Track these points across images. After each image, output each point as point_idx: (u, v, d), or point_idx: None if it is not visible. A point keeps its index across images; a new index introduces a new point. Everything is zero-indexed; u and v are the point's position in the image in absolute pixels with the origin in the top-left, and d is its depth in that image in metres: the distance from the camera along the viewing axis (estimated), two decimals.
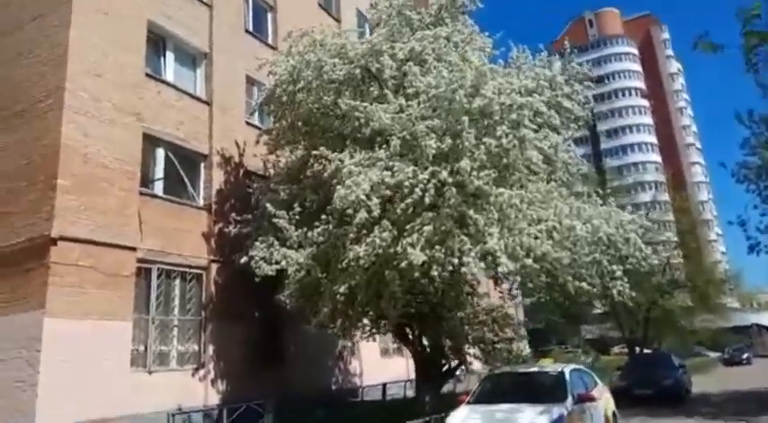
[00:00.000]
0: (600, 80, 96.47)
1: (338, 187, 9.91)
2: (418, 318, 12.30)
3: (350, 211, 9.77)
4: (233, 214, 13.71)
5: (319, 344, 16.44)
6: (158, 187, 13.56)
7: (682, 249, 34.01)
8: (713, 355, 49.68)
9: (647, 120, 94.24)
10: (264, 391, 13.89)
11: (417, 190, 9.18)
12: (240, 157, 15.61)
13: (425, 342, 12.42)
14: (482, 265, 8.91)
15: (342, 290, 9.96)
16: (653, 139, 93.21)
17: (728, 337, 50.55)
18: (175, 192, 14.00)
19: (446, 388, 15.49)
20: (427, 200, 9.11)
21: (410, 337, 12.77)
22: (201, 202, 14.50)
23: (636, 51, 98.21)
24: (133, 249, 12.16)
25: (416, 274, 9.12)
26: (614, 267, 11.12)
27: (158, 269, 12.85)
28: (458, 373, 14.55)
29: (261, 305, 13.84)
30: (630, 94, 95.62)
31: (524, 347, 18.99)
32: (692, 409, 16.09)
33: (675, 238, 33.01)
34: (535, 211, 9.93)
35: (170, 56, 14.78)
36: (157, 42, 14.57)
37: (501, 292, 14.51)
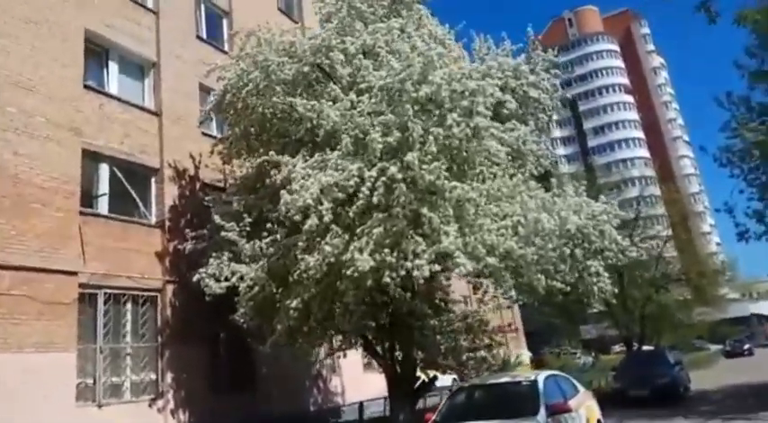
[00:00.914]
0: (583, 78, 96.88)
1: (283, 193, 9.05)
2: (388, 329, 11.39)
3: (298, 219, 8.89)
4: (188, 230, 12.83)
5: (295, 362, 15.45)
6: (103, 206, 12.66)
7: (674, 242, 33.34)
8: (714, 347, 48.84)
9: (633, 115, 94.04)
10: (234, 418, 12.97)
11: (364, 189, 8.34)
12: (195, 170, 14.73)
13: (397, 355, 11.49)
14: (436, 267, 8.04)
15: (294, 304, 9.07)
16: (639, 134, 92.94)
17: (728, 328, 49.83)
18: (123, 210, 13.10)
19: (432, 401, 14.61)
20: (375, 199, 8.27)
21: (380, 350, 11.84)
22: (153, 220, 13.60)
23: (617, 48, 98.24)
24: (74, 274, 11.24)
25: (369, 282, 8.24)
26: (592, 263, 10.32)
27: (105, 294, 11.92)
28: (440, 385, 13.66)
29: (226, 325, 12.79)
30: (614, 91, 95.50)
31: (503, 354, 18.07)
32: (691, 407, 15.21)
33: (666, 232, 32.36)
34: (498, 206, 9.11)
35: (113, 66, 13.94)
36: (99, 53, 13.75)
37: (481, 298, 13.61)
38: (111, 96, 13.40)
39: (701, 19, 11.62)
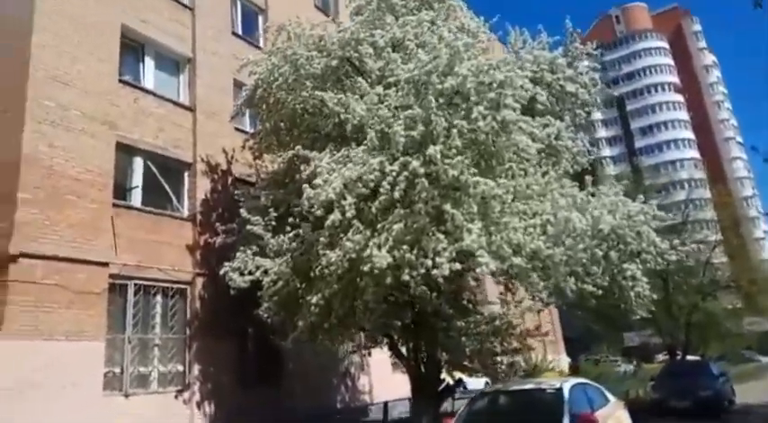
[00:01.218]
0: (630, 77, 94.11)
1: (305, 187, 8.93)
2: (413, 329, 11.14)
3: (320, 214, 8.75)
4: (218, 224, 12.87)
5: (323, 359, 15.40)
6: (136, 198, 12.84)
7: (725, 247, 31.91)
8: (765, 359, 46.53)
9: (683, 115, 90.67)
10: (260, 413, 12.99)
11: (385, 184, 8.12)
12: (228, 164, 14.82)
13: (422, 356, 11.21)
14: (457, 265, 7.74)
15: (315, 300, 8.92)
16: (689, 134, 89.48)
17: None
18: (156, 202, 13.26)
19: (459, 404, 14.27)
20: (396, 195, 8.04)
21: (405, 350, 11.60)
22: (186, 213, 13.74)
23: (666, 45, 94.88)
24: (105, 265, 11.42)
25: (389, 280, 8.02)
26: (628, 267, 9.81)
27: (135, 285, 12.07)
28: (471, 388, 13.33)
29: (254, 320, 12.79)
30: (664, 90, 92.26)
31: (535, 358, 17.49)
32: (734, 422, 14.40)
33: (716, 237, 31.01)
34: (527, 203, 8.73)
35: (149, 62, 14.14)
36: (135, 48, 13.97)
37: (511, 299, 13.17)
38: (146, 91, 13.59)
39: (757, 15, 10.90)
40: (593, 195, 9.69)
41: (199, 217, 13.67)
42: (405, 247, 7.93)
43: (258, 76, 12.51)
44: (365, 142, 9.46)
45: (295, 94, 11.82)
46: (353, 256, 8.43)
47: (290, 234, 9.82)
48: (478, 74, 8.25)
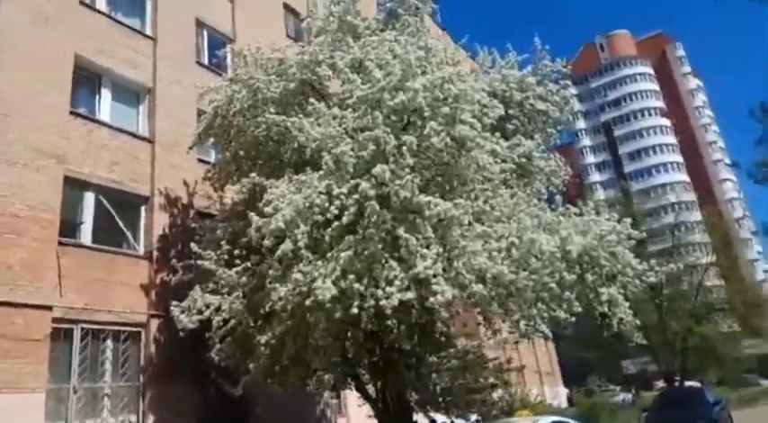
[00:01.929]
0: (617, 103, 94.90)
1: (252, 216, 8.23)
2: (381, 367, 10.29)
3: (268, 244, 8.02)
4: (175, 261, 12.08)
5: (294, 403, 14.41)
6: (86, 236, 12.06)
7: (719, 270, 31.26)
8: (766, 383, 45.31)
9: (670, 139, 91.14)
10: None
11: (333, 208, 7.43)
12: (189, 197, 14.10)
13: (390, 396, 10.33)
14: (409, 295, 6.99)
15: (264, 340, 8.11)
16: (678, 158, 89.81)
17: None
18: (109, 239, 12.48)
19: None
20: (345, 219, 7.35)
21: (373, 390, 10.70)
22: (141, 250, 12.94)
23: (651, 71, 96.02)
24: (48, 308, 10.57)
25: (338, 314, 7.25)
26: (604, 290, 9.05)
27: (82, 329, 11.20)
28: None
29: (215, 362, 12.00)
30: (650, 115, 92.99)
31: (519, 393, 16.50)
32: None
33: (707, 259, 30.40)
34: (492, 226, 8.04)
35: (106, 93, 13.55)
36: (91, 79, 13.40)
37: (480, 331, 12.33)
38: (100, 123, 12.97)
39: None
40: (563, 215, 9.02)
41: (156, 254, 12.88)
42: (351, 276, 7.19)
43: (216, 104, 11.96)
44: (322, 167, 8.83)
45: (253, 119, 11.24)
46: (304, 289, 7.67)
47: (239, 267, 9.07)
48: (432, 89, 7.66)
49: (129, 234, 12.95)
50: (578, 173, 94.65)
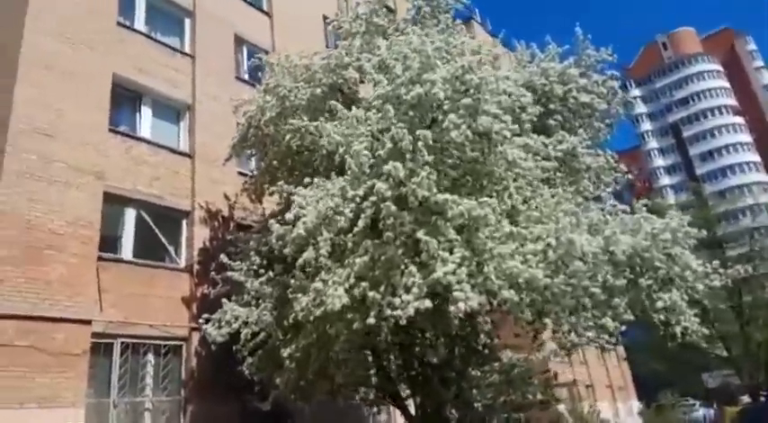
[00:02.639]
0: (684, 102, 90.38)
1: (272, 223, 7.93)
2: (419, 382, 9.70)
3: (288, 252, 7.68)
4: (213, 274, 11.98)
5: (344, 419, 13.98)
6: (126, 250, 12.15)
7: None
8: None
9: (745, 137, 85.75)
10: None
11: (347, 211, 7.00)
12: (230, 211, 14.08)
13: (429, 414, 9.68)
14: (427, 303, 6.40)
15: (287, 353, 7.74)
16: (754, 157, 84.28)
17: None
18: (150, 254, 12.55)
19: None
20: (361, 223, 6.89)
21: (411, 407, 10.09)
22: (182, 264, 12.96)
23: (720, 67, 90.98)
24: (87, 323, 10.64)
25: (356, 325, 6.76)
26: (662, 296, 8.12)
27: (122, 343, 11.22)
28: None
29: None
30: (721, 113, 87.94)
31: (583, 410, 15.33)
32: None
33: None
34: (527, 227, 7.36)
35: (146, 110, 13.78)
36: (131, 97, 13.65)
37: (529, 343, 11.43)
38: (140, 139, 13.15)
39: None
40: (612, 214, 8.20)
41: (196, 267, 12.86)
42: (364, 284, 6.70)
43: (249, 115, 11.90)
44: (347, 171, 8.44)
45: (283, 128, 11.04)
46: (324, 299, 7.25)
47: (264, 278, 8.77)
48: (453, 80, 7.13)
49: (170, 248, 13.01)
50: (647, 177, 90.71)
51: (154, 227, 12.76)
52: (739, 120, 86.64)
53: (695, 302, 9.27)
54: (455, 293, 6.19)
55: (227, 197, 14.12)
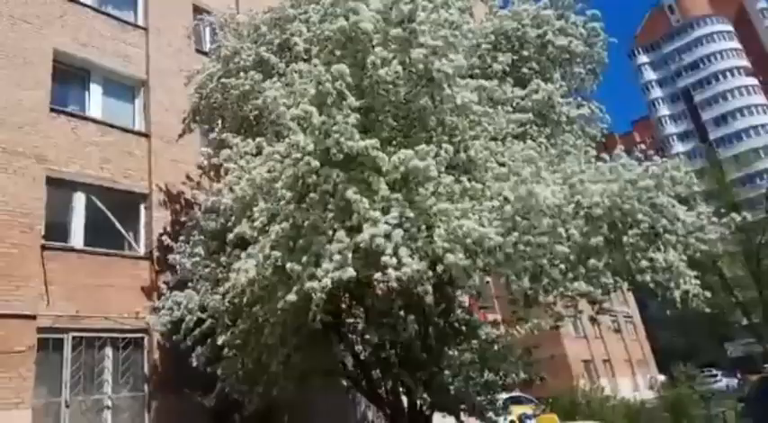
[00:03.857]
0: (694, 66, 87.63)
1: (197, 194, 6.96)
2: (394, 365, 8.72)
3: (214, 226, 6.72)
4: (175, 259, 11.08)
5: (332, 411, 13.06)
6: (77, 238, 11.27)
7: None
8: None
9: (760, 99, 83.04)
10: None
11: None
12: (192, 191, 13.11)
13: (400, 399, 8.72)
14: (350, 272, 5.38)
15: (221, 340, 6.80)
16: None
17: None
18: (106, 241, 11.66)
19: None
20: (278, 185, 5.91)
21: (383, 394, 9.11)
22: (142, 250, 12.06)
23: (730, 28, 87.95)
24: (32, 317, 9.81)
25: (280, 304, 5.77)
26: (657, 255, 7.02)
27: (74, 338, 10.38)
28: None
29: None
30: (733, 75, 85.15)
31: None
32: None
33: None
34: (483, 182, 6.30)
35: (96, 88, 12.81)
36: (78, 74, 12.69)
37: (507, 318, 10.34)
38: (87, 119, 12.21)
39: None
40: (589, 163, 7.10)
41: (157, 254, 11.95)
42: (277, 253, 5.71)
43: (198, 85, 10.89)
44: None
45: (230, 94, 10.02)
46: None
47: (197, 258, 7.82)
48: (386, 11, 6.04)
49: (127, 235, 12.12)
50: (659, 145, 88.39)
51: (108, 212, 11.86)
52: (752, 81, 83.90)
53: (696, 264, 8.16)
54: (383, 259, 5.19)
55: (189, 178, 13.16)
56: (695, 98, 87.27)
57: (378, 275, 5.21)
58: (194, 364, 8.54)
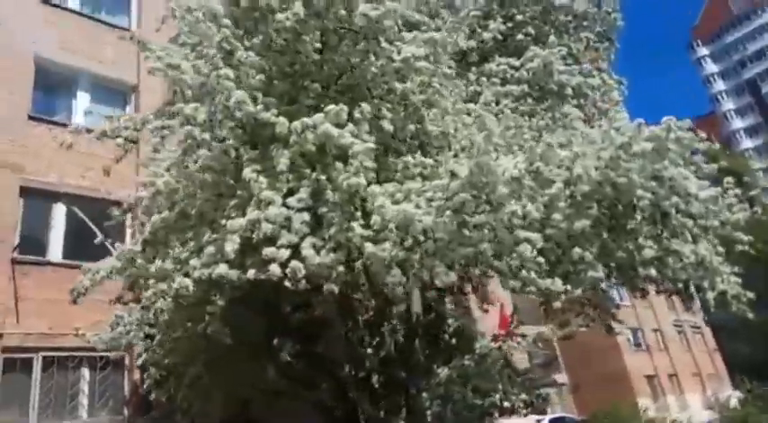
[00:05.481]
0: (759, 56, 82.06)
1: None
2: (373, 388, 7.47)
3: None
4: None
5: None
6: (55, 252, 10.67)
7: None
8: None
9: None
10: None
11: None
12: None
13: None
14: (222, 268, 4.20)
15: (141, 360, 5.83)
16: None
17: None
18: (89, 255, 10.90)
19: None
20: (165, 166, 4.93)
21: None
22: None
23: None
24: None
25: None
26: (689, 247, 5.52)
27: (44, 358, 9.68)
28: None
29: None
30: None
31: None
32: None
33: None
34: (437, 160, 5.04)
35: (83, 94, 12.34)
36: (62, 81, 12.23)
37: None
38: (65, 126, 11.65)
39: None
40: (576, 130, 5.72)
41: None
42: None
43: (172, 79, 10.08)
44: None
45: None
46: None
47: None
48: None
49: (113, 248, 11.41)
50: (725, 141, 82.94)
51: (91, 224, 11.20)
52: None
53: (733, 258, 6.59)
54: (266, 250, 4.02)
55: None
56: (763, 89, 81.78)
57: (268, 272, 4.01)
58: (144, 386, 7.58)
